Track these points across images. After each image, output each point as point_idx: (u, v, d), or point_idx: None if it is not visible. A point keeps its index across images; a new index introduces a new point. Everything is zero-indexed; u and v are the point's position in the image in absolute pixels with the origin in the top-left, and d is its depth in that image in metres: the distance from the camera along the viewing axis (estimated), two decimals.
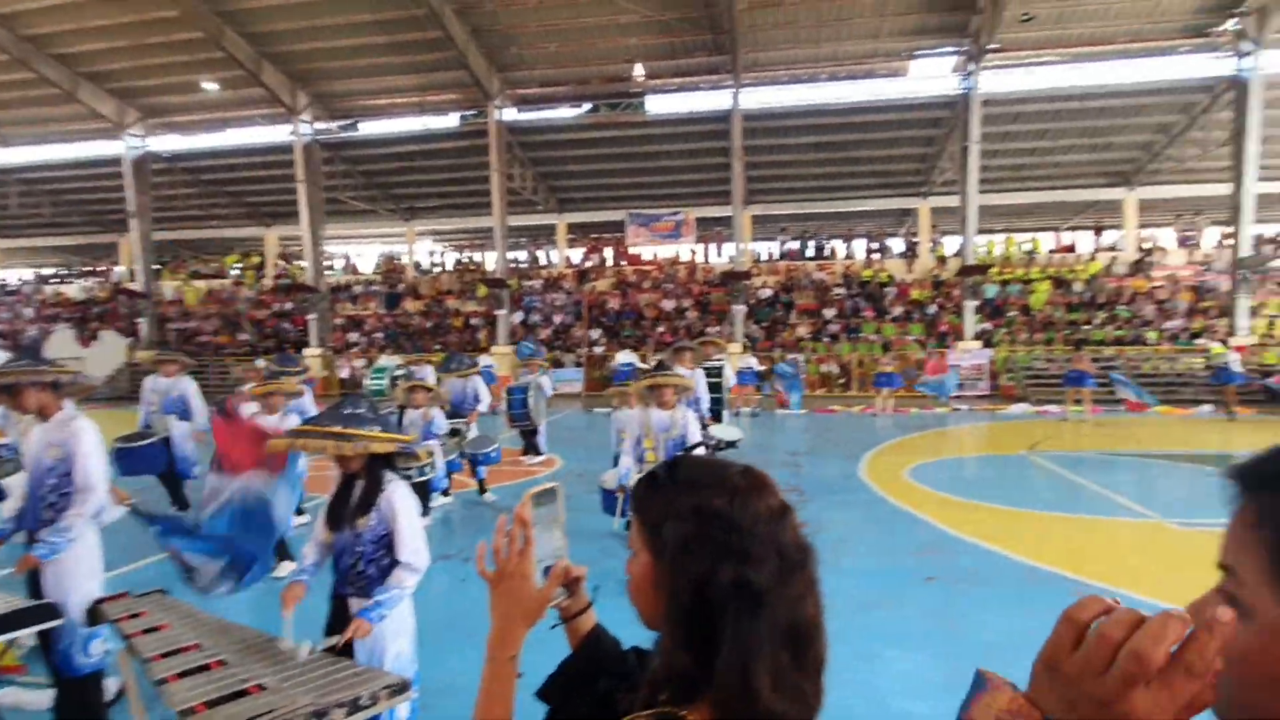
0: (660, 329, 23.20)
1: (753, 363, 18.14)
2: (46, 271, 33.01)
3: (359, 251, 32.29)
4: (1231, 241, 19.59)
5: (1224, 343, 17.43)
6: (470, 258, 30.05)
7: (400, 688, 2.30)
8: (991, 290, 22.44)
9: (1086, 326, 21.09)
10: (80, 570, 3.31)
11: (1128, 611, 0.52)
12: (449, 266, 29.51)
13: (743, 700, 0.83)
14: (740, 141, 20.39)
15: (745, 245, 23.39)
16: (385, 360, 19.28)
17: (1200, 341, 18.84)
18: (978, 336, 20.35)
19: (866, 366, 20.37)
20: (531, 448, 10.16)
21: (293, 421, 5.93)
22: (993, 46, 18.45)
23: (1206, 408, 15.97)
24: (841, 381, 20.78)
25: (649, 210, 25.28)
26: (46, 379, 3.32)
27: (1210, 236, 23.61)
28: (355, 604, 2.87)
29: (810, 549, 0.93)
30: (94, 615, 3.12)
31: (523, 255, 29.44)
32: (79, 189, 27.28)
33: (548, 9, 17.98)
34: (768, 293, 24.34)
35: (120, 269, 29.67)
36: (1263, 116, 18.15)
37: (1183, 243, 23.98)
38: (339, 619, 2.90)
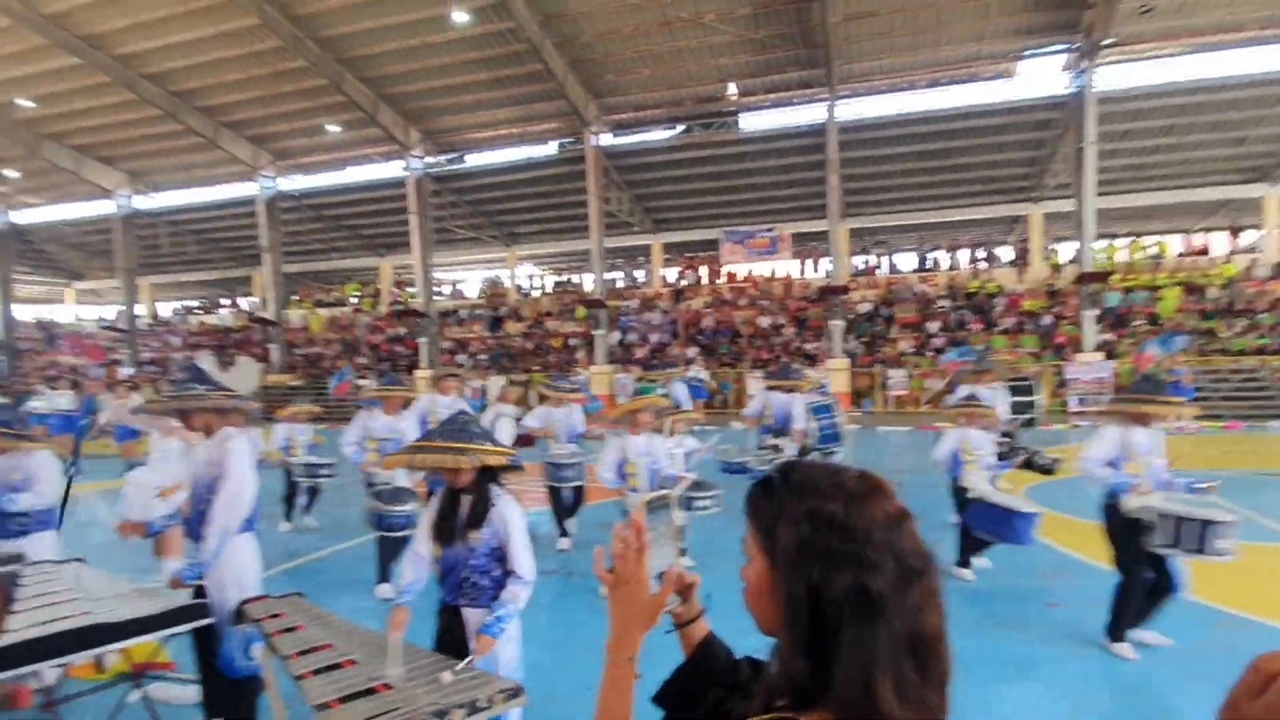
0: (757, 346, 23.01)
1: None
2: (191, 304, 36.34)
3: (464, 277, 33.82)
4: None
5: None
6: (569, 280, 30.86)
7: (514, 692, 2.40)
8: (1113, 298, 20.97)
9: (1225, 335, 19.35)
10: (240, 578, 3.55)
11: None
12: (548, 289, 30.42)
13: (865, 709, 0.81)
14: (836, 154, 20.07)
15: (843, 259, 22.91)
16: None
17: None
18: (1099, 348, 19.06)
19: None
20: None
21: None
22: (1108, 41, 17.41)
23: None
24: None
25: (743, 227, 25.21)
26: (208, 404, 3.64)
27: None
28: (469, 613, 2.99)
29: (931, 557, 0.89)
30: (239, 615, 3.41)
31: (619, 276, 30.05)
32: (219, 228, 29.95)
33: (641, 35, 18.39)
34: (867, 307, 23.71)
35: (254, 300, 32.32)
36: None
37: None
38: (452, 627, 3.03)
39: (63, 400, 13.95)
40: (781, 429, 7.82)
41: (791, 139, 21.74)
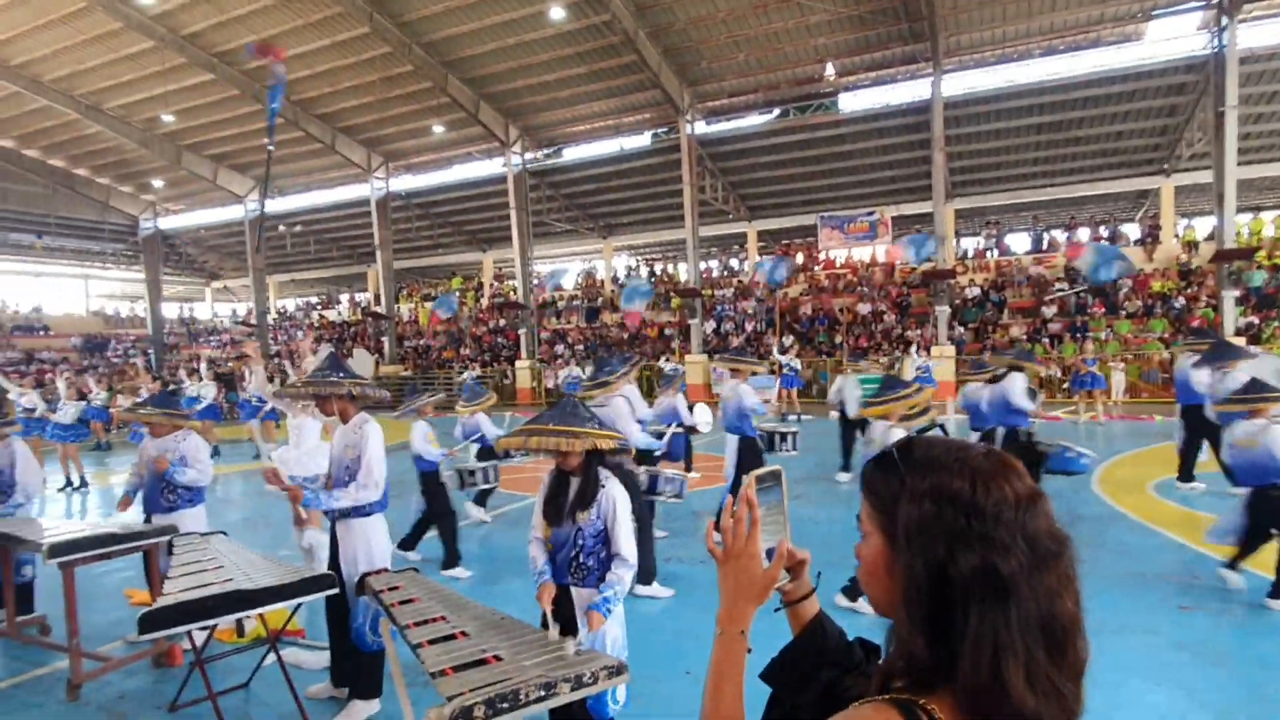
0: (857, 334, 22.38)
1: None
2: (311, 299, 38.86)
3: (563, 269, 34.49)
4: None
5: None
6: (664, 270, 30.99)
7: (618, 670, 2.45)
8: (1258, 277, 19.10)
9: None
10: (370, 555, 3.82)
11: None
12: (644, 279, 30.65)
13: (992, 694, 0.78)
14: (941, 132, 19.16)
15: (949, 241, 21.89)
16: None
17: None
18: (1241, 332, 17.42)
19: (1100, 369, 18.21)
20: None
21: None
22: None
23: None
24: (1065, 386, 18.72)
25: (842, 212, 24.53)
26: (342, 391, 3.92)
27: None
28: (577, 593, 3.08)
29: (1067, 539, 0.84)
30: (361, 586, 3.65)
31: (715, 264, 29.89)
32: (335, 228, 31.84)
33: (736, 19, 18.15)
34: (975, 291, 22.58)
35: (367, 295, 34.22)
36: None
37: None
38: (560, 604, 3.11)
39: (205, 390, 15.26)
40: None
41: (894, 118, 20.92)
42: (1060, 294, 21.16)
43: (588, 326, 27.62)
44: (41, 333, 31.27)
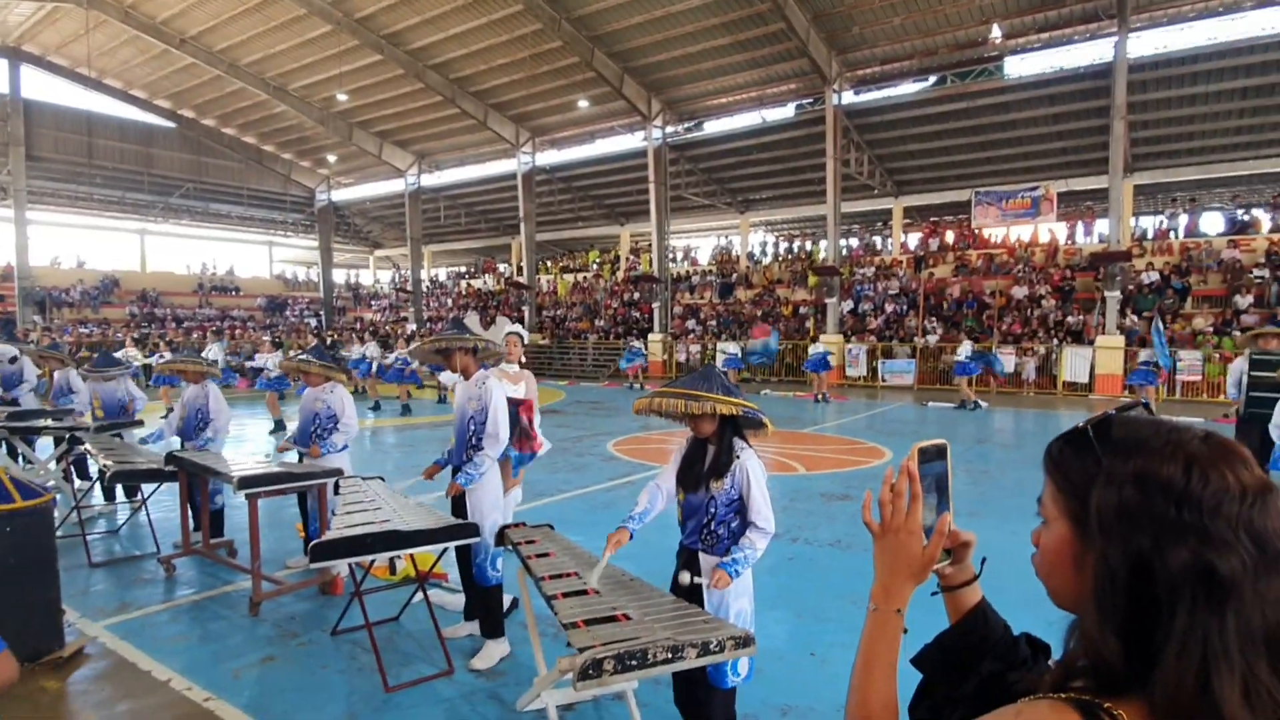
0: (1009, 319, 20.83)
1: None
2: (460, 269, 41.15)
3: (698, 244, 34.47)
4: None
5: None
6: (801, 247, 30.21)
7: (745, 641, 2.43)
8: None
9: None
10: (491, 501, 4.13)
11: None
12: (780, 256, 30.05)
13: (1199, 709, 0.70)
14: (1124, 98, 17.29)
15: (1125, 220, 19.83)
16: None
17: None
18: None
19: None
20: None
21: None
22: None
23: None
24: None
25: (1001, 187, 22.77)
26: (468, 345, 4.20)
27: None
28: (705, 559, 3.07)
29: None
30: (500, 537, 3.87)
31: (855, 242, 28.78)
32: (484, 201, 33.44)
33: None
34: (1153, 277, 20.36)
35: (510, 266, 35.77)
36: None
37: None
38: (689, 569, 3.10)
39: (368, 349, 16.60)
40: None
41: (1068, 83, 19.09)
42: (1259, 281, 18.66)
43: (721, 302, 27.47)
44: (234, 293, 35.15)
